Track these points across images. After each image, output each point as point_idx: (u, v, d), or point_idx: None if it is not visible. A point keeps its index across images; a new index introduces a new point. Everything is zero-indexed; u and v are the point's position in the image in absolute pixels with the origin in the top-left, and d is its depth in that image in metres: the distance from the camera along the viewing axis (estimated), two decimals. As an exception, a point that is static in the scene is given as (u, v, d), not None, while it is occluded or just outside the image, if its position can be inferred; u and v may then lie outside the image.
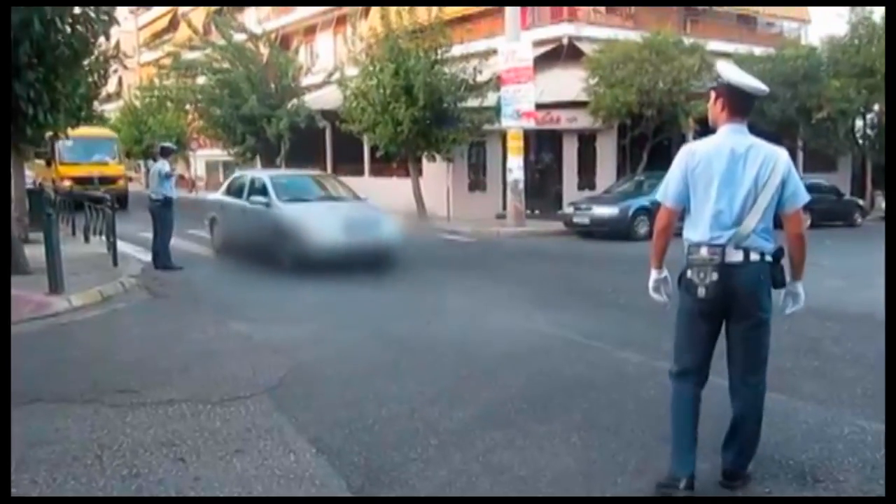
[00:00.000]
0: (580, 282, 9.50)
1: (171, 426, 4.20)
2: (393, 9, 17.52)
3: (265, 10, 32.10)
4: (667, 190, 3.20)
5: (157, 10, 41.75)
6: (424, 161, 18.66)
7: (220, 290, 8.68)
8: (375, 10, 21.06)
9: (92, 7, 8.60)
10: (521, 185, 16.45)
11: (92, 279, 8.25)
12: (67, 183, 19.23)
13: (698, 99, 16.97)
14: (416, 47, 16.64)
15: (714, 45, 19.28)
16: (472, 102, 16.68)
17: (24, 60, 7.93)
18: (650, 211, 15.07)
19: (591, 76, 17.61)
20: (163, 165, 10.31)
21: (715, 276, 3.04)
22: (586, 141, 19.16)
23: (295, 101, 23.04)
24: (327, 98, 22.87)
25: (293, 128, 22.27)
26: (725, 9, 23.91)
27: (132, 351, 5.89)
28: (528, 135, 16.99)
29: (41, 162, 22.06)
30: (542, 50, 19.13)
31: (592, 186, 18.84)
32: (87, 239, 12.09)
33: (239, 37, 23.67)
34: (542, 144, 19.10)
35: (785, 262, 3.22)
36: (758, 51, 19.65)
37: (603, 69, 17.06)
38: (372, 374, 5.26)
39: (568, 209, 15.84)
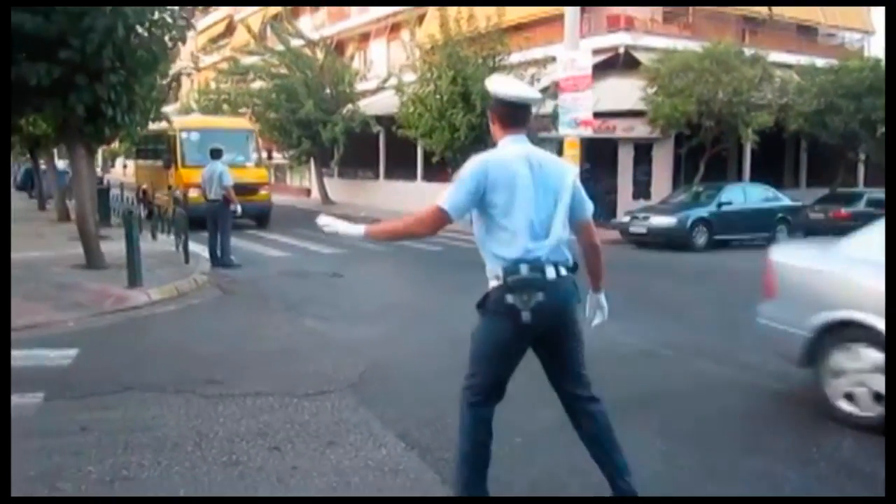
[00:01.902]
0: (644, 291, 9.43)
1: (262, 417, 4.34)
2: (452, 16, 17.68)
3: (321, 17, 32.70)
4: (453, 197, 2.84)
5: (214, 15, 42.80)
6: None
7: (287, 289, 8.88)
8: (432, 17, 21.32)
9: (169, 12, 8.92)
10: (577, 194, 16.38)
11: (166, 275, 8.52)
12: (194, 193, 13.21)
13: (759, 110, 16.74)
14: (474, 54, 16.76)
15: (774, 56, 18.94)
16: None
17: (107, 64, 8.27)
18: (709, 222, 14.92)
19: (649, 85, 17.47)
20: (221, 168, 10.60)
21: (541, 297, 2.80)
22: (643, 150, 19.01)
23: (350, 106, 23.41)
24: (381, 104, 23.18)
25: (348, 132, 22.62)
26: (785, 18, 23.46)
27: (212, 345, 6.08)
28: (582, 143, 16.92)
29: (149, 162, 18.59)
30: (598, 59, 19.03)
31: (647, 196, 18.66)
32: (154, 236, 12.46)
33: (295, 42, 24.20)
34: (598, 153, 19.00)
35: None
36: (820, 62, 19.24)
37: (662, 78, 16.91)
38: (445, 373, 5.30)
39: (624, 218, 15.73)
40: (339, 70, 23.92)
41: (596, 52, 18.98)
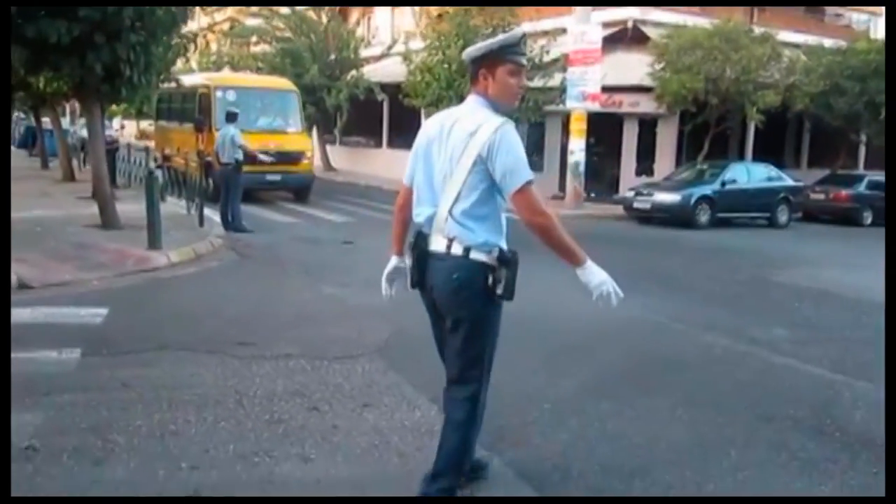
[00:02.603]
0: (650, 267, 9.56)
1: (297, 378, 4.48)
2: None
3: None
4: (408, 166, 2.86)
5: (215, -24, 42.14)
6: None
7: (301, 255, 8.98)
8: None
9: None
10: (582, 168, 16.48)
11: (182, 237, 8.61)
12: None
13: (766, 89, 16.78)
14: (484, 24, 16.68)
15: (782, 35, 18.90)
16: (537, 83, 16.68)
17: (127, 24, 8.25)
18: (712, 200, 15.06)
19: (657, 61, 17.45)
20: (233, 131, 10.63)
21: (410, 262, 2.76)
22: (647, 126, 19.04)
23: (354, 72, 23.26)
24: (386, 71, 23.04)
25: (352, 99, 22.52)
26: (795, -3, 23.36)
27: (237, 307, 6.20)
28: (589, 118, 16.95)
29: (174, 124, 16.61)
30: (606, 32, 18.95)
31: (650, 172, 18.74)
32: (162, 198, 12.46)
33: (300, 6, 23.95)
34: (603, 127, 19.02)
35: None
36: (827, 42, 19.24)
37: (670, 54, 16.89)
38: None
39: (628, 194, 15.85)
40: (343, 35, 23.75)
41: (604, 25, 18.89)
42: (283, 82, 17.02)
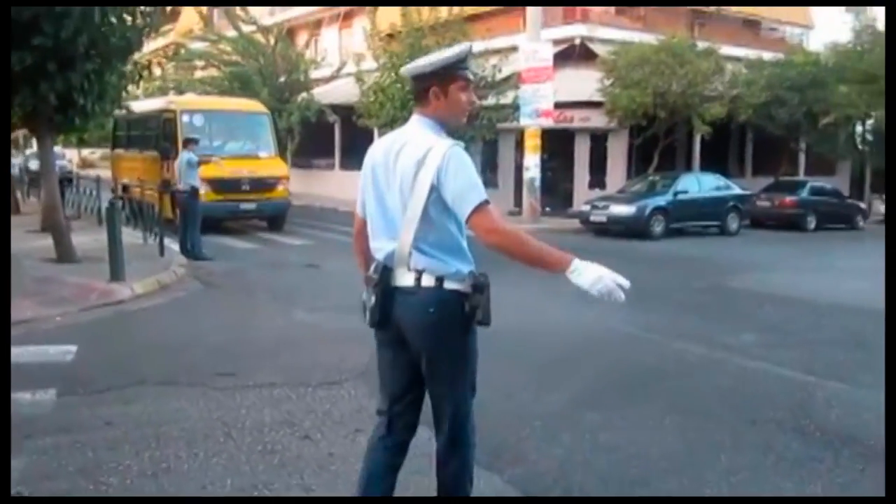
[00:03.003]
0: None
1: (283, 407, 4.41)
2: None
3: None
4: (358, 195, 2.66)
5: None
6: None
7: (268, 281, 8.87)
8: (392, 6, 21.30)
9: None
10: (538, 183, 16.71)
11: (143, 268, 8.40)
12: (203, 188, 11.37)
13: (711, 101, 17.35)
14: (436, 44, 16.83)
15: (723, 49, 19.58)
16: (491, 101, 16.91)
17: (81, 51, 8.08)
18: (666, 210, 15.43)
19: (606, 77, 17.88)
20: (190, 155, 10.50)
21: (373, 300, 2.49)
22: (598, 140, 19.46)
23: (305, 94, 23.19)
24: (337, 92, 23.04)
25: (303, 121, 22.42)
26: (732, 12, 24.26)
27: (212, 337, 6.08)
28: (542, 133, 17.23)
29: (133, 152, 15.39)
30: (554, 50, 19.35)
31: (603, 185, 19.13)
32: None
33: (246, 28, 23.78)
34: (556, 143, 19.35)
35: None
36: (766, 55, 20.03)
37: (619, 70, 17.34)
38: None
39: (584, 207, 16.12)
40: (293, 58, 23.67)
41: (553, 42, 19.33)
42: (254, 104, 16.15)
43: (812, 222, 17.69)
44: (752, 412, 4.48)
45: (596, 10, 22.03)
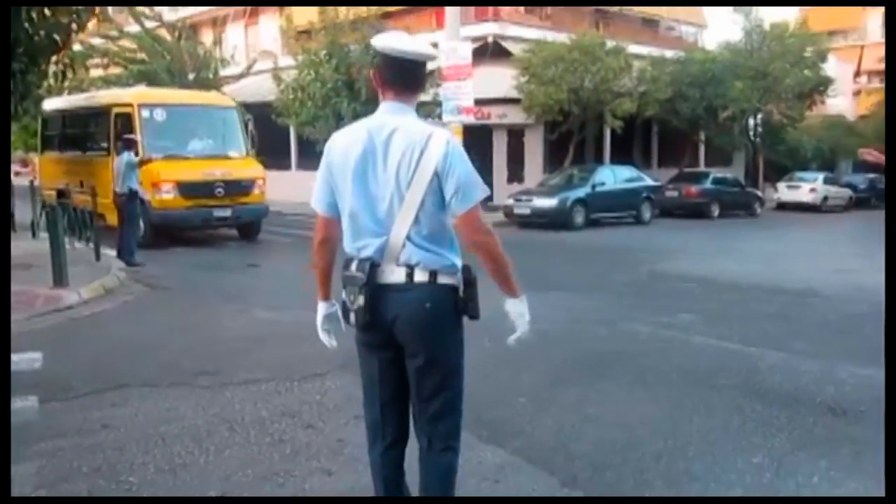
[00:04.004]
0: (545, 269, 10.17)
1: (276, 400, 4.51)
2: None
3: (171, -1, 31.05)
4: (314, 192, 2.47)
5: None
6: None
7: (214, 282, 8.78)
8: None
9: None
10: (462, 178, 17.05)
11: (85, 273, 8.13)
12: (168, 194, 11.19)
13: (621, 97, 18.24)
14: (354, 41, 16.89)
15: (629, 47, 20.64)
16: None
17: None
18: (586, 202, 16.14)
19: (521, 74, 18.45)
20: (129, 157, 10.17)
21: (362, 300, 2.32)
22: (515, 136, 20.05)
23: (215, 93, 22.62)
24: (248, 90, 22.62)
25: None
26: (634, 12, 25.47)
27: (178, 338, 6.03)
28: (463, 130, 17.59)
29: (73, 154, 13.54)
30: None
31: (521, 180, 19.75)
32: (34, 234, 11.61)
33: (149, 24, 22.97)
34: (474, 139, 19.76)
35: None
36: (668, 54, 21.21)
37: (534, 68, 17.94)
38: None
39: (508, 201, 16.61)
40: (202, 56, 23.05)
41: (465, 40, 19.76)
42: (220, 97, 14.82)
43: (716, 210, 18.93)
44: (709, 381, 4.94)
45: (508, 9, 22.65)
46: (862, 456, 3.69)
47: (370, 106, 15.90)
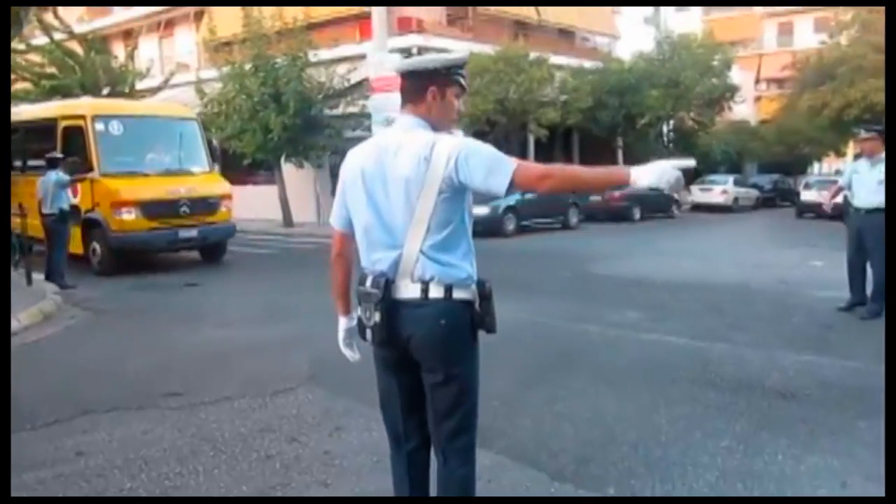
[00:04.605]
0: (484, 274, 10.39)
1: (252, 417, 4.49)
2: (255, 10, 17.47)
3: (78, 12, 29.86)
4: (333, 208, 2.54)
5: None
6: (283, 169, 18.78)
7: (156, 302, 8.55)
8: (214, 13, 20.79)
9: None
10: (394, 189, 17.17)
11: (19, 299, 7.67)
12: (129, 215, 10.33)
13: (546, 107, 18.78)
14: (283, 55, 16.75)
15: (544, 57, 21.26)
16: (344, 109, 17.15)
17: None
18: (517, 209, 16.51)
19: (448, 85, 18.73)
20: (58, 176, 9.77)
21: (378, 317, 2.33)
22: (443, 146, 20.29)
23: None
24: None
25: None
26: (551, 23, 26.24)
27: (133, 361, 5.87)
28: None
29: (24, 176, 11.20)
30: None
31: (450, 188, 19.98)
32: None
33: (57, 37, 22.02)
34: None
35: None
36: (587, 64, 21.99)
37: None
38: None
39: (441, 210, 16.78)
40: (116, 70, 22.24)
41: (390, 52, 19.91)
42: (179, 108, 13.77)
43: (637, 213, 19.73)
44: (666, 374, 5.23)
45: (429, 21, 22.93)
46: (816, 434, 4.03)
47: (297, 119, 15.86)
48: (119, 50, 27.79)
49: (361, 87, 17.41)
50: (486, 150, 2.32)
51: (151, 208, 10.54)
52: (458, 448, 2.48)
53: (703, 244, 14.98)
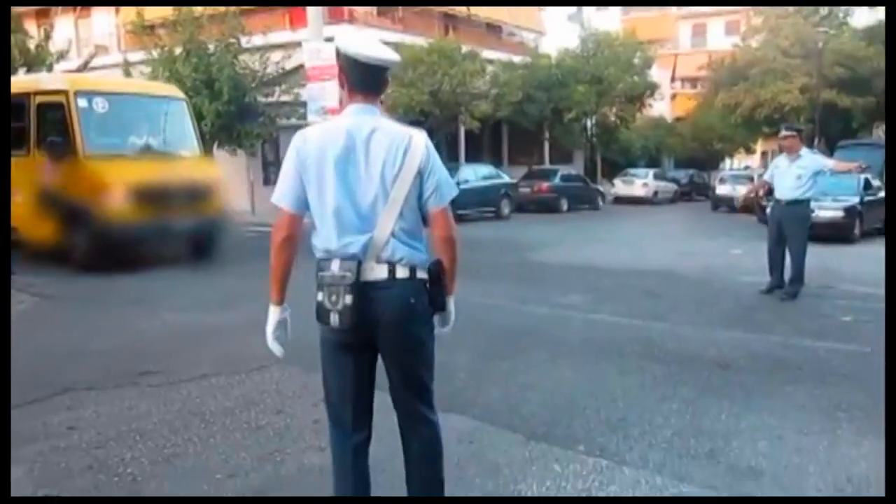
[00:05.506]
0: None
1: (234, 392, 4.66)
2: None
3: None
4: (281, 188, 2.46)
5: None
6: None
7: (102, 288, 8.44)
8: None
9: None
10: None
11: (-43, 284, 7.56)
12: (119, 203, 9.22)
13: (478, 100, 19.22)
14: (216, 40, 16.53)
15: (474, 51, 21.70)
16: (282, 97, 17.07)
17: None
18: (454, 199, 16.86)
19: (383, 76, 18.90)
20: None
21: (349, 300, 2.35)
22: (377, 136, 20.45)
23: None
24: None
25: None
26: (482, 17, 26.72)
27: (98, 343, 5.86)
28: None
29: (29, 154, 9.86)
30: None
31: (384, 178, 20.19)
32: None
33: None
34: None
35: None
36: (516, 59, 22.57)
37: (396, 70, 18.47)
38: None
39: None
40: (31, 50, 21.27)
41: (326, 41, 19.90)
42: (166, 87, 12.80)
43: (565, 204, 20.49)
44: (614, 349, 5.69)
45: (360, 11, 23.00)
46: (752, 397, 4.55)
47: (231, 106, 15.70)
48: (32, 29, 26.55)
49: (296, 75, 17.36)
50: (441, 164, 2.54)
51: (145, 195, 9.38)
52: (424, 411, 2.64)
53: (630, 234, 15.79)
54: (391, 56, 2.49)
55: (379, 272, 2.41)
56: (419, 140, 2.45)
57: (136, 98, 10.85)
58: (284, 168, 2.47)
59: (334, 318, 2.38)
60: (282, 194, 2.45)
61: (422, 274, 2.48)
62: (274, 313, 2.56)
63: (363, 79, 2.46)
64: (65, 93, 9.84)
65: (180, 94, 11.87)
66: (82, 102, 9.71)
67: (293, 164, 2.44)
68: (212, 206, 10.31)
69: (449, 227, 2.51)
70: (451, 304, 2.64)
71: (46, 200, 9.30)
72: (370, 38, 2.54)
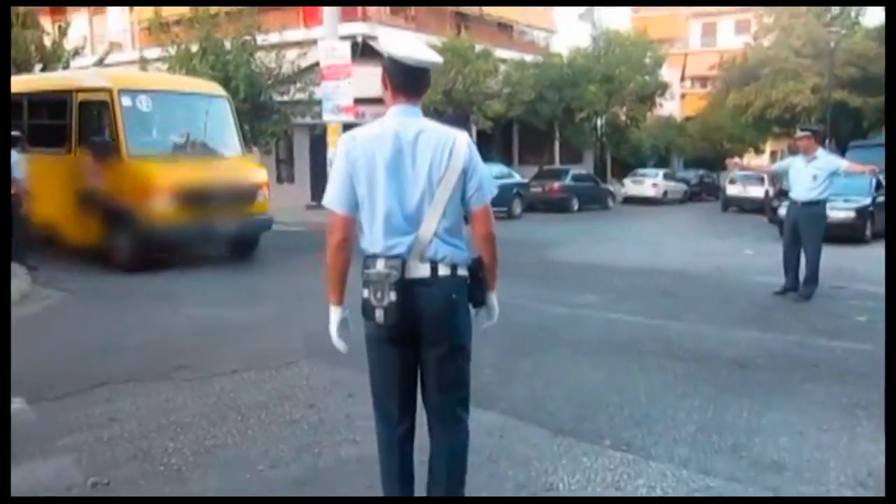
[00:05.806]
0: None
1: (266, 387, 4.79)
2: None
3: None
4: (333, 191, 2.52)
5: None
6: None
7: (124, 284, 8.60)
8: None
9: None
10: (343, 176, 17.39)
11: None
12: (164, 205, 9.00)
13: (491, 98, 19.32)
14: (232, 38, 16.67)
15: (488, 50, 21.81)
16: (297, 95, 17.21)
17: None
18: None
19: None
20: (14, 157, 9.56)
21: (393, 296, 2.44)
22: (390, 135, 20.58)
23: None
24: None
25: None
26: (494, 16, 26.81)
27: (129, 338, 6.00)
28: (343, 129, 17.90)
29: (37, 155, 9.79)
30: (342, 47, 20.06)
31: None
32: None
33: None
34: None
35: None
36: (528, 58, 22.65)
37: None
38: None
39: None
40: (48, 48, 21.49)
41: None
42: (210, 84, 12.17)
43: (576, 204, 20.58)
44: (634, 348, 5.80)
45: (374, 10, 23.13)
46: (771, 395, 4.66)
47: (247, 104, 15.82)
48: (48, 26, 26.78)
49: (311, 73, 17.49)
50: (483, 164, 2.62)
51: (188, 197, 9.15)
52: (459, 412, 2.72)
53: (641, 234, 15.88)
54: (434, 58, 2.55)
55: (422, 270, 2.50)
56: (462, 140, 2.53)
57: (179, 96, 10.56)
58: (335, 171, 2.52)
59: (379, 314, 2.47)
60: (334, 197, 2.52)
61: (462, 271, 2.56)
62: (335, 313, 2.64)
63: (406, 80, 2.51)
64: (108, 91, 9.58)
65: (223, 92, 11.59)
66: (126, 101, 9.47)
67: (343, 167, 2.49)
68: (256, 207, 10.15)
69: (489, 224, 2.61)
70: (494, 298, 2.74)
71: (88, 200, 9.30)
72: (413, 40, 2.58)
